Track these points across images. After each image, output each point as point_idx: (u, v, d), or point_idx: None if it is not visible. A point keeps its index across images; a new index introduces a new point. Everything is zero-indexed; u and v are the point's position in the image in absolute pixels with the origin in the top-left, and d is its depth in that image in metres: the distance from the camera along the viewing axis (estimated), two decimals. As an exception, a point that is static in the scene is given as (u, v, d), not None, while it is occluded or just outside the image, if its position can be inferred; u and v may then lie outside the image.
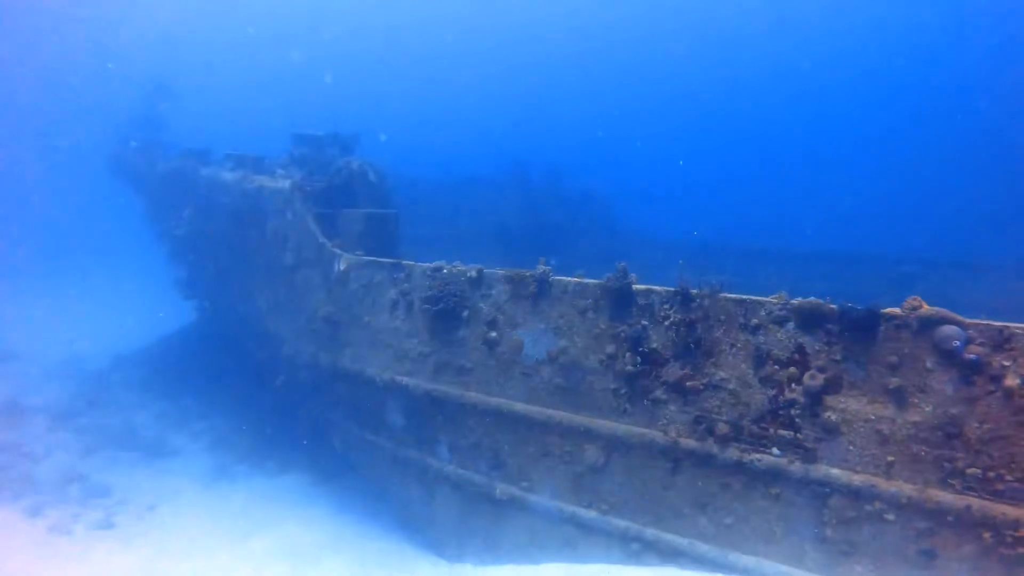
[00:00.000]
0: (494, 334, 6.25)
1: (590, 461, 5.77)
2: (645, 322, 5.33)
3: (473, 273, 6.39)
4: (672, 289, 5.18)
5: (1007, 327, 4.06)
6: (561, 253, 12.54)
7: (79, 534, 8.83)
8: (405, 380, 7.05)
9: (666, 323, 5.23)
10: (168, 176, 11.90)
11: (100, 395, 14.16)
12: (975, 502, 4.26)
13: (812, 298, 4.58)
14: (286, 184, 8.56)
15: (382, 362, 7.31)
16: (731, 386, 4.99)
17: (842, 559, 4.73)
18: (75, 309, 21.20)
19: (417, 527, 7.90)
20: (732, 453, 4.99)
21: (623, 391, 5.51)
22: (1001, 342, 4.08)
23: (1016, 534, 4.15)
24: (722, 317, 4.98)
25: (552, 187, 14.17)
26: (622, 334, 5.43)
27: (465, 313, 6.44)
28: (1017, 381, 4.03)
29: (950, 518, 4.33)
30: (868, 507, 4.58)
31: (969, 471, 4.28)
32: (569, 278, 5.82)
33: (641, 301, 5.36)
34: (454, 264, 6.61)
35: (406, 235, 10.05)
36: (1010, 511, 4.18)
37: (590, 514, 5.85)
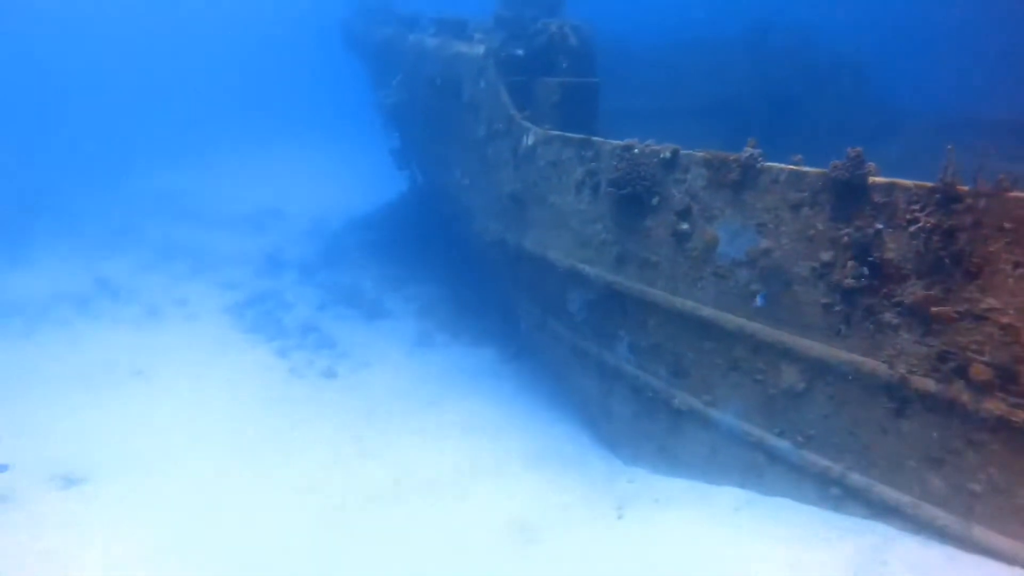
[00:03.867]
0: (686, 226, 5.29)
1: (787, 384, 4.79)
2: (880, 225, 4.05)
3: (667, 154, 5.39)
4: (928, 185, 3.81)
5: None
6: (801, 134, 10.66)
7: (310, 378, 9.94)
8: (586, 269, 6.41)
9: (912, 228, 3.91)
10: (382, 44, 11.87)
11: (335, 255, 15.54)
12: None
13: None
14: (480, 50, 7.93)
15: (564, 247, 6.71)
16: (1006, 320, 3.64)
17: None
18: (330, 171, 23.30)
19: (595, 420, 7.53)
20: (994, 405, 3.72)
21: (838, 308, 4.36)
22: None
23: None
24: (1006, 225, 3.56)
25: (796, 52, 11.87)
26: (845, 238, 4.21)
27: (655, 200, 5.53)
28: None
29: None
30: None
31: None
32: (783, 165, 4.61)
33: (878, 198, 4.05)
34: (647, 143, 5.63)
35: (618, 108, 9.07)
36: None
37: (782, 443, 4.94)
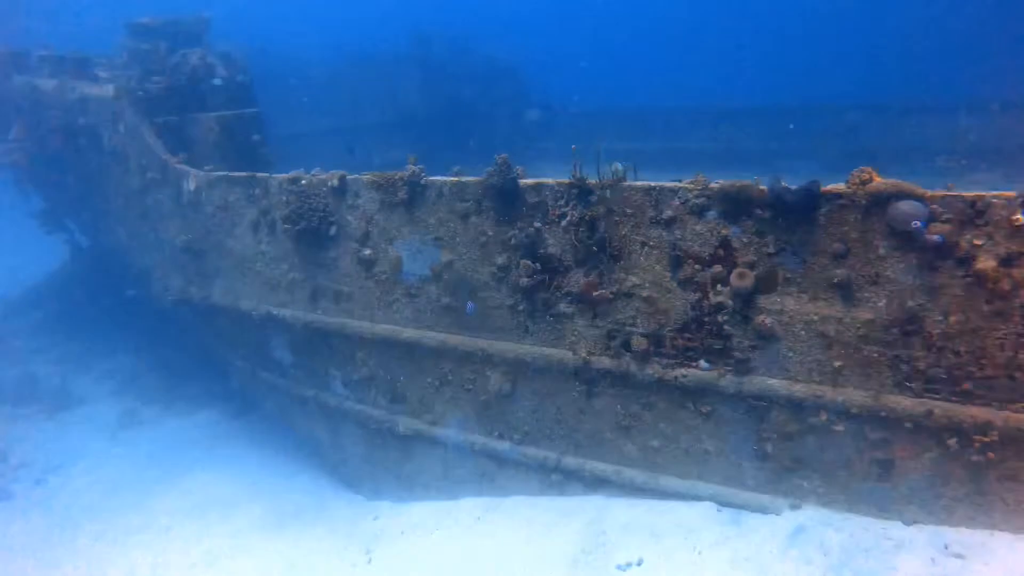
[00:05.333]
0: (368, 251, 5.15)
1: (495, 388, 4.90)
2: (538, 224, 4.29)
3: (335, 181, 5.18)
4: (566, 181, 4.10)
5: (980, 198, 3.14)
6: (479, 135, 11.19)
7: (-31, 509, 7.93)
8: (282, 312, 5.98)
9: (563, 223, 4.19)
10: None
11: (-9, 346, 12.82)
12: (938, 405, 3.53)
13: (735, 180, 3.57)
14: (110, 90, 6.97)
15: (255, 293, 6.19)
16: (645, 293, 4.06)
17: (786, 475, 4.05)
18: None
19: (332, 463, 7.13)
20: (653, 369, 4.15)
21: (522, 307, 4.56)
22: (972, 216, 3.18)
23: (985, 439, 3.45)
24: (628, 211, 3.96)
25: (458, 60, 12.45)
26: (512, 240, 4.39)
27: (333, 230, 5.30)
28: (992, 263, 3.17)
29: (908, 425, 3.62)
30: (813, 419, 3.84)
31: (931, 371, 3.51)
32: (445, 178, 4.68)
33: (531, 199, 4.29)
34: (314, 172, 5.38)
35: (298, 133, 8.61)
36: (979, 413, 3.45)
37: (502, 445, 5.07)
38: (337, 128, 10.34)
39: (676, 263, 3.87)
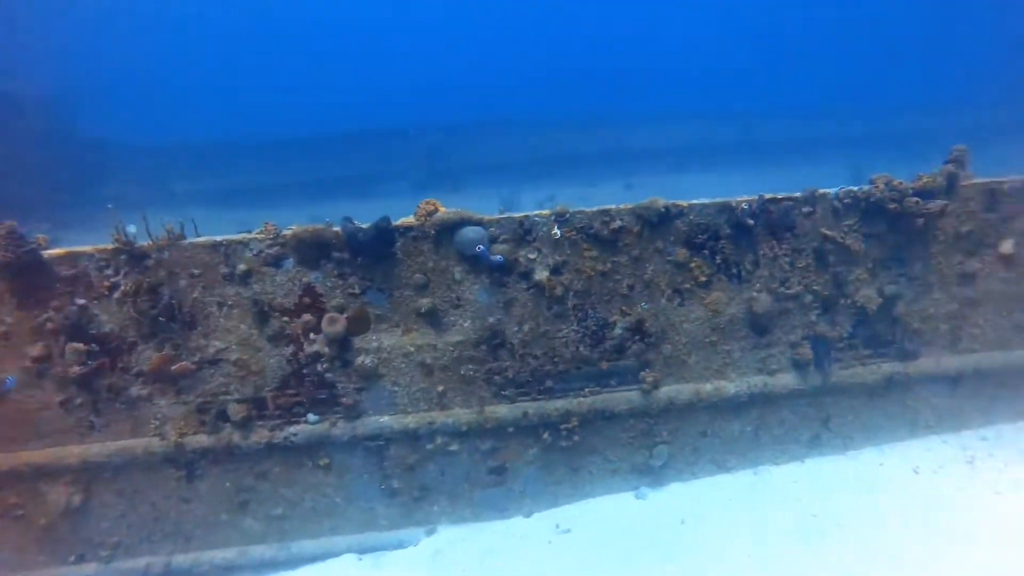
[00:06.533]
0: None
1: (64, 504, 3.90)
2: (81, 300, 3.47)
3: None
4: (108, 247, 3.39)
5: (527, 217, 3.47)
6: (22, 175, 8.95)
7: None
8: None
9: (117, 294, 3.47)
10: None
11: None
12: (530, 406, 3.86)
13: (308, 225, 3.34)
14: None
15: None
16: (234, 356, 3.61)
17: (416, 505, 4.04)
18: None
19: None
20: (259, 435, 3.73)
21: (79, 400, 3.68)
22: (523, 235, 3.49)
23: (569, 426, 3.90)
24: (196, 271, 3.44)
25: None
26: (48, 324, 3.49)
27: None
28: (546, 274, 3.54)
29: (511, 429, 3.89)
30: (430, 446, 3.88)
31: (519, 377, 3.81)
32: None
33: (66, 271, 3.45)
34: None
35: None
36: (560, 404, 3.88)
37: (87, 568, 4.08)
38: None
39: (262, 319, 3.50)
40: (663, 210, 3.60)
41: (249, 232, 3.38)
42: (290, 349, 3.58)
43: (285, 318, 3.52)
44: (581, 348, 3.78)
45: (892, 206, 3.83)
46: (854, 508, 3.92)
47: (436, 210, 3.38)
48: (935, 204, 3.87)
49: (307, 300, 3.49)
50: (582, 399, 3.88)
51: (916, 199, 3.84)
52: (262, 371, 3.63)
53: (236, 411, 3.66)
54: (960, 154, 3.94)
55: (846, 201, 3.87)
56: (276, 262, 3.42)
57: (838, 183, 4.06)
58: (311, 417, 3.74)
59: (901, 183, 3.88)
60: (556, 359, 3.79)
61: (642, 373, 3.90)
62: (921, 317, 4.24)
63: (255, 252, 3.40)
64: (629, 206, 3.61)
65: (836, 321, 4.10)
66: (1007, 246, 4.23)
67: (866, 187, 3.90)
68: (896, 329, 4.22)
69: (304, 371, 3.63)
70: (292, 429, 3.75)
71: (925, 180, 3.89)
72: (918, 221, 3.90)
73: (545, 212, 3.47)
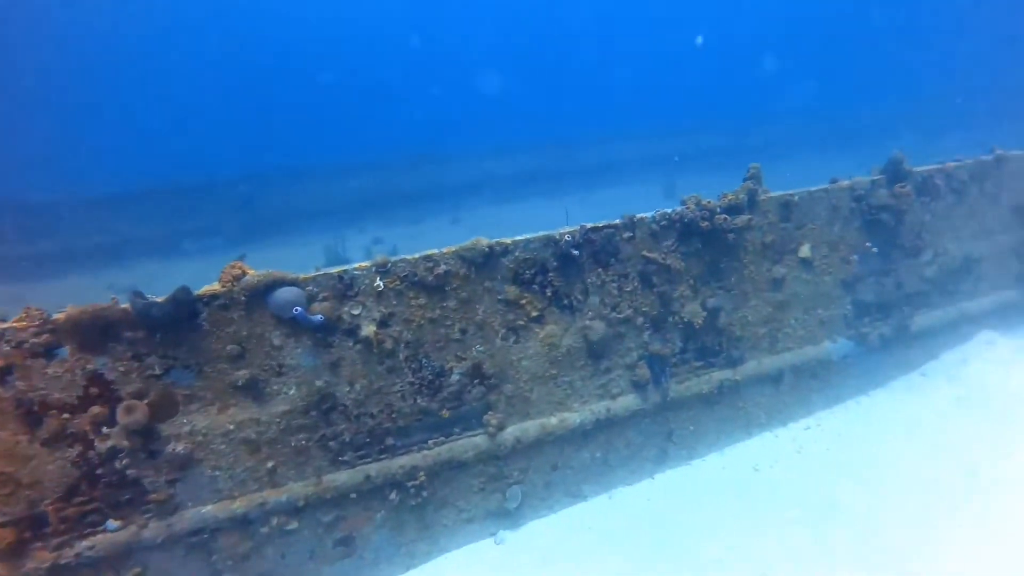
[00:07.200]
0: None
1: None
2: None
3: None
4: None
5: (345, 271, 3.22)
6: None
7: None
8: None
9: None
10: None
11: None
12: (372, 467, 3.59)
13: (85, 306, 2.87)
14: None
15: None
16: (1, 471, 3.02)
17: (256, 595, 3.62)
18: None
19: None
20: (40, 559, 3.14)
21: None
22: (343, 290, 3.24)
23: (416, 482, 3.67)
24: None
25: None
26: None
27: None
28: (373, 328, 3.30)
29: (354, 495, 3.60)
30: (265, 528, 3.49)
31: (356, 438, 3.53)
32: None
33: None
34: None
35: None
36: (404, 461, 3.64)
37: None
38: None
39: (33, 421, 2.96)
40: (487, 250, 3.50)
41: (4, 321, 2.84)
42: (77, 449, 3.06)
43: (67, 415, 3.00)
44: (419, 400, 3.58)
45: (704, 224, 4.00)
46: (706, 515, 4.03)
47: (244, 273, 3.04)
48: (741, 219, 4.09)
49: (94, 391, 3.00)
50: (427, 452, 3.68)
51: (724, 216, 4.04)
52: (39, 482, 3.07)
53: (4, 535, 3.06)
54: (756, 171, 4.21)
55: (663, 223, 4.00)
56: (48, 352, 2.90)
57: (655, 203, 4.20)
58: (110, 524, 3.22)
59: (710, 202, 4.07)
60: (394, 415, 3.56)
61: (485, 416, 3.76)
62: (742, 324, 4.48)
63: (15, 344, 2.87)
64: (452, 249, 3.48)
65: (667, 338, 4.22)
66: (805, 250, 4.59)
67: (679, 208, 4.05)
68: (722, 339, 4.42)
69: (98, 472, 3.12)
70: (86, 543, 3.20)
71: (730, 198, 4.11)
72: (729, 236, 4.11)
73: (365, 264, 3.24)
